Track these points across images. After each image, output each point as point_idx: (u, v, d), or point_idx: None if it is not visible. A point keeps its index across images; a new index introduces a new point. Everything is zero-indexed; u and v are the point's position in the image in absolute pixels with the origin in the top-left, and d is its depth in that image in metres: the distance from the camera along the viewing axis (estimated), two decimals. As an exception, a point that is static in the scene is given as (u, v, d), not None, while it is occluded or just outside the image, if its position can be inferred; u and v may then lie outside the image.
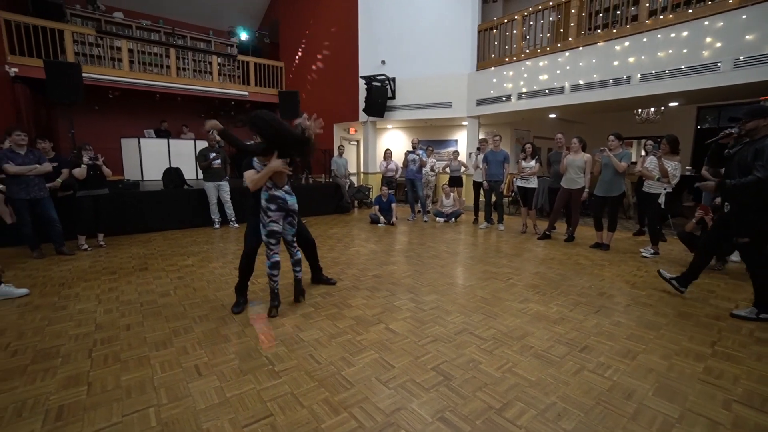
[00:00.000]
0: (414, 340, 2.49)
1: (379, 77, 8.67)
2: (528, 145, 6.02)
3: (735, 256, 4.36)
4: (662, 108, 8.64)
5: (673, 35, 5.49)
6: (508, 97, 7.76)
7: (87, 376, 2.05)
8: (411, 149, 7.16)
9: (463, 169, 7.78)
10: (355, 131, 11.04)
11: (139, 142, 8.74)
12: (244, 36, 11.18)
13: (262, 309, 2.97)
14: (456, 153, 8.15)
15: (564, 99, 6.93)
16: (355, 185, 9.47)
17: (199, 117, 11.51)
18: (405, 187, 8.12)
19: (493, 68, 8.01)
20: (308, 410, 1.78)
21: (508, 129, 10.13)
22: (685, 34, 5.37)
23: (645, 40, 5.80)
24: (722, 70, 5.05)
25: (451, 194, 7.39)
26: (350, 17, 9.35)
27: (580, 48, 6.65)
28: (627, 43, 6.02)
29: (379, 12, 8.94)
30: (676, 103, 7.39)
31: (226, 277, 3.80)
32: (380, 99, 8.70)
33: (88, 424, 1.67)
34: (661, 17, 5.65)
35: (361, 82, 8.92)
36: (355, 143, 11.46)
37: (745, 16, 4.86)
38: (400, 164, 7.76)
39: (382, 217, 6.83)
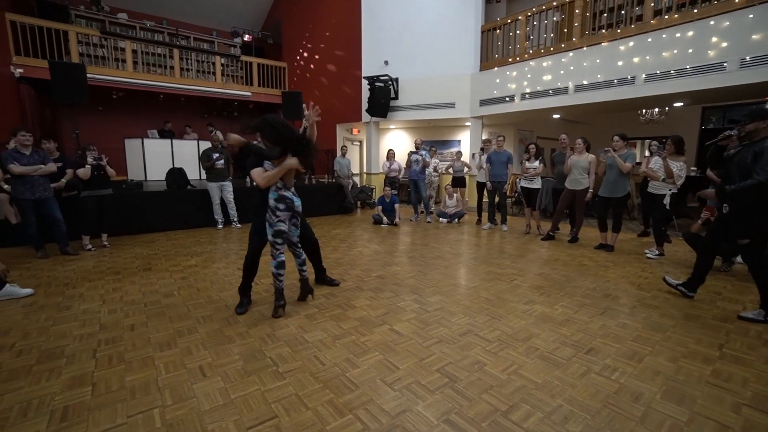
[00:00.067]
0: (418, 341, 2.48)
1: (382, 77, 8.67)
2: (532, 146, 6.00)
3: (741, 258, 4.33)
4: (667, 108, 8.59)
5: (678, 35, 5.46)
6: (512, 98, 7.74)
7: (91, 376, 2.05)
8: (414, 150, 7.15)
9: (466, 169, 7.76)
10: (358, 132, 11.04)
11: (142, 143, 8.76)
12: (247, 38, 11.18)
13: (266, 310, 2.97)
14: (459, 153, 8.14)
15: (568, 99, 6.91)
16: (358, 186, 9.46)
17: (202, 117, 11.56)
18: (408, 188, 8.11)
19: (496, 68, 7.99)
20: (313, 412, 1.77)
21: (511, 129, 10.10)
22: (690, 33, 5.34)
23: (650, 40, 5.77)
24: (728, 70, 5.01)
25: (454, 195, 7.37)
26: (353, 17, 9.36)
27: (584, 48, 6.62)
28: (631, 44, 5.99)
29: (382, 12, 8.94)
30: (681, 104, 7.35)
31: (230, 277, 3.80)
32: (383, 99, 8.70)
33: (93, 425, 1.67)
34: (666, 17, 5.62)
35: (364, 82, 8.92)
36: (358, 144, 11.46)
37: (751, 16, 4.83)
38: (403, 165, 7.75)
39: (385, 218, 6.82)
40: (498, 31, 8.01)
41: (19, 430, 1.64)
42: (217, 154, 6.11)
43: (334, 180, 8.73)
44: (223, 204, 6.39)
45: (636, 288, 3.59)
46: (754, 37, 4.83)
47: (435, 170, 8.21)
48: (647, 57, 5.82)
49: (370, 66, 9.10)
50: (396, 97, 8.98)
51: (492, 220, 6.63)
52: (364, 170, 10.41)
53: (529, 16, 7.45)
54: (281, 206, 2.74)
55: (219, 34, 12.29)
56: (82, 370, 2.11)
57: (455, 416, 1.76)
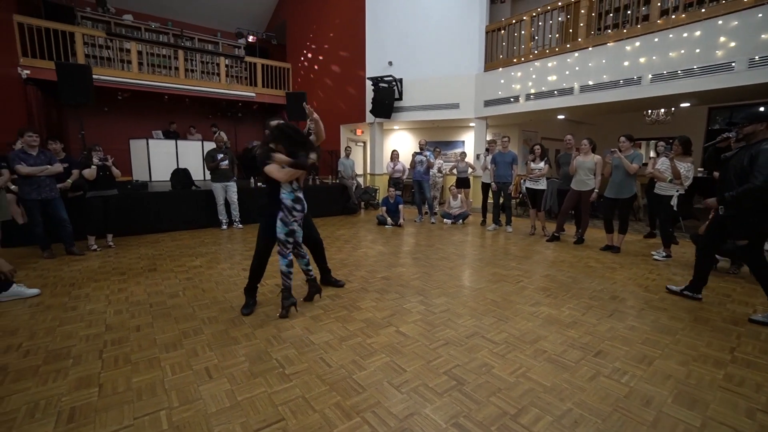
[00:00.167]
0: (425, 343, 2.46)
1: (386, 78, 8.66)
2: (537, 147, 5.97)
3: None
4: (673, 109, 8.53)
5: (685, 35, 5.41)
6: (516, 98, 7.71)
7: (98, 377, 2.04)
8: (418, 150, 7.14)
9: (470, 170, 7.74)
10: (362, 132, 11.03)
11: (147, 144, 8.80)
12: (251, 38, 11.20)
13: (271, 311, 2.96)
14: (463, 154, 8.11)
15: (573, 100, 6.87)
16: (362, 186, 9.46)
17: (206, 118, 11.59)
18: (412, 189, 8.09)
19: (501, 69, 7.96)
20: (320, 414, 1.76)
21: (515, 130, 10.06)
22: (697, 33, 5.29)
23: (656, 40, 5.73)
24: (736, 70, 4.96)
25: (459, 195, 7.34)
26: (357, 18, 9.36)
27: (590, 48, 6.58)
28: (638, 44, 5.95)
29: (386, 13, 8.93)
30: (688, 104, 7.29)
31: (235, 278, 3.80)
32: (387, 100, 8.69)
33: (99, 427, 1.66)
34: (673, 17, 5.57)
35: (368, 83, 8.92)
36: (362, 144, 11.45)
37: (760, 15, 4.78)
38: (407, 165, 7.74)
39: (389, 219, 6.80)
40: (502, 31, 7.98)
41: (27, 431, 1.63)
42: (222, 155, 6.12)
43: (338, 181, 8.72)
44: (227, 204, 6.40)
45: (643, 290, 3.56)
46: (763, 36, 4.78)
47: (439, 171, 8.19)
48: (654, 57, 5.77)
49: (374, 67, 9.10)
50: (400, 98, 8.96)
51: (497, 221, 6.60)
52: (368, 171, 10.40)
53: (534, 16, 7.42)
54: (298, 207, 2.81)
55: (223, 35, 12.34)
56: (88, 370, 2.11)
57: (464, 419, 1.74)
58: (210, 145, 7.78)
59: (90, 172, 4.66)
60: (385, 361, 2.24)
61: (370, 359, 2.26)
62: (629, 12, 6.21)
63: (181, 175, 6.67)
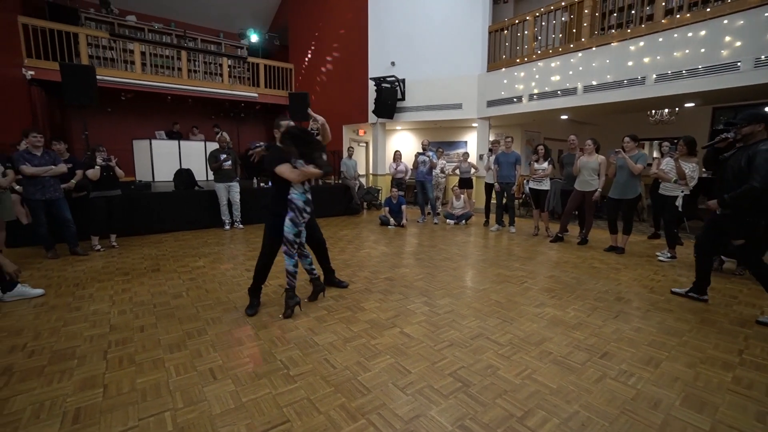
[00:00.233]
0: (430, 344, 2.45)
1: (388, 78, 8.65)
2: (540, 147, 5.95)
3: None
4: (677, 109, 8.49)
5: (690, 35, 5.38)
6: (519, 99, 7.68)
7: (102, 378, 2.04)
8: (421, 151, 7.12)
9: (473, 170, 7.72)
10: (365, 133, 11.03)
11: (150, 144, 8.81)
12: (254, 38, 11.21)
13: (275, 311, 2.95)
14: (466, 154, 8.09)
15: (577, 100, 6.84)
16: (365, 187, 9.45)
17: (209, 118, 11.61)
18: (414, 189, 8.08)
19: (504, 69, 7.94)
20: (325, 416, 1.75)
21: (518, 130, 10.03)
22: (702, 33, 5.26)
23: (661, 39, 5.70)
24: (742, 69, 4.93)
25: (462, 196, 7.33)
26: (360, 19, 9.36)
27: (593, 48, 6.56)
28: (642, 43, 5.92)
29: (389, 13, 8.93)
30: (692, 104, 7.25)
31: (238, 278, 3.79)
32: (390, 100, 8.68)
33: (105, 428, 1.66)
34: (678, 16, 5.54)
35: (371, 83, 8.91)
36: (365, 145, 11.45)
37: (767, 15, 4.75)
38: (410, 166, 7.73)
39: (392, 219, 6.79)
40: (505, 31, 7.96)
41: (32, 432, 1.63)
42: (225, 155, 6.12)
43: (340, 181, 8.72)
44: (230, 205, 6.40)
45: (649, 291, 3.54)
46: (768, 36, 4.75)
47: (442, 171, 8.17)
48: (658, 57, 5.74)
49: (376, 67, 9.09)
50: (403, 98, 8.96)
51: (500, 221, 6.58)
52: (371, 171, 10.39)
53: (537, 16, 7.39)
54: (308, 208, 2.84)
55: (226, 36, 12.36)
56: (93, 371, 2.10)
57: (470, 422, 1.73)
58: (212, 146, 7.79)
59: (94, 173, 4.67)
60: (389, 362, 2.23)
61: (375, 360, 2.25)
62: (633, 12, 6.18)
63: (184, 176, 6.68)
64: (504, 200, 6.45)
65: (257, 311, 2.93)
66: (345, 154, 8.83)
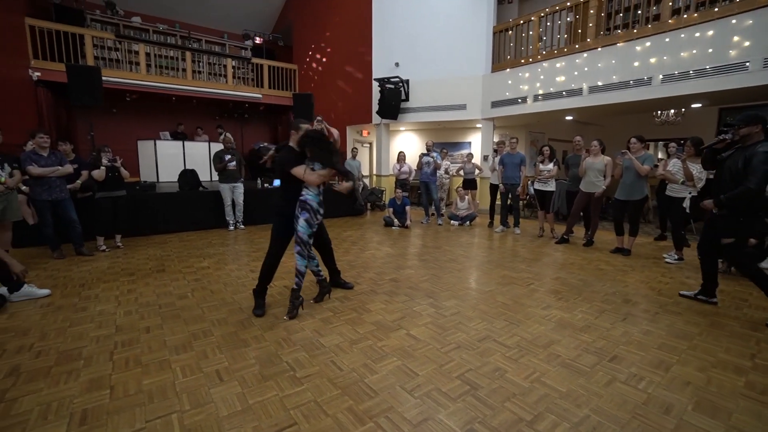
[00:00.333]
0: (437, 346, 2.43)
1: (392, 79, 8.64)
2: (546, 148, 5.92)
3: (767, 263, 4.20)
4: (683, 110, 8.43)
5: (697, 35, 5.34)
6: (524, 99, 7.66)
7: (109, 379, 2.04)
8: (425, 152, 7.11)
9: (477, 171, 7.69)
10: (368, 133, 11.02)
11: (155, 145, 8.85)
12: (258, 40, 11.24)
13: (280, 312, 2.94)
14: (470, 155, 8.06)
15: (582, 101, 6.81)
16: (369, 188, 9.44)
17: (213, 119, 11.65)
18: (418, 190, 8.06)
19: (508, 70, 7.92)
20: (333, 419, 1.73)
21: (522, 131, 10.00)
22: (710, 33, 5.22)
23: (667, 40, 5.66)
24: (751, 69, 4.89)
25: (466, 197, 7.30)
26: (364, 19, 9.36)
27: (599, 49, 6.52)
28: (648, 44, 5.89)
29: (393, 14, 8.92)
30: (699, 105, 7.20)
31: (243, 279, 3.79)
32: (394, 101, 8.67)
33: (111, 429, 1.65)
34: (685, 16, 5.50)
35: (375, 84, 8.91)
36: (368, 145, 11.44)
37: (775, 14, 4.71)
38: (413, 167, 7.71)
39: (396, 220, 6.78)
40: (510, 32, 7.94)
41: (39, 434, 1.63)
42: (229, 156, 6.13)
43: (343, 181, 8.69)
44: (233, 205, 6.40)
45: (657, 293, 3.50)
46: (778, 35, 4.70)
47: (446, 172, 8.15)
48: (665, 57, 5.71)
49: (380, 68, 9.09)
50: (406, 99, 8.95)
51: (504, 222, 6.55)
52: (374, 172, 10.39)
53: (542, 16, 7.37)
54: (322, 210, 2.87)
55: (230, 37, 12.40)
56: (99, 372, 2.10)
57: (479, 425, 1.71)
58: (216, 146, 7.81)
59: (99, 173, 4.69)
60: (396, 364, 2.22)
61: (382, 363, 2.23)
62: (639, 12, 6.15)
63: (188, 176, 6.69)
64: (509, 201, 6.43)
65: (265, 311, 2.92)
66: (349, 154, 8.83)
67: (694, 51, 5.39)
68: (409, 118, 9.11)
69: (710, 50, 5.23)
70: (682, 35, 5.50)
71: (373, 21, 9.14)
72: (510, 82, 7.87)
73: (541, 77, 7.38)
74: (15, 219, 4.00)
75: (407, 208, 6.82)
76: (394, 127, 10.24)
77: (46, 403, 1.82)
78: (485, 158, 8.40)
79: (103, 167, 4.71)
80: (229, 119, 11.85)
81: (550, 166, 5.81)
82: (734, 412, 1.81)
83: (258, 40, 11.68)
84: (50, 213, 4.36)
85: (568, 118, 9.18)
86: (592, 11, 6.59)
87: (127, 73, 9.31)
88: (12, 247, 4.26)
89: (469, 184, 7.65)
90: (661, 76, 5.76)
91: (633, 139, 4.79)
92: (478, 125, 8.95)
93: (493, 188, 6.78)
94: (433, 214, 7.46)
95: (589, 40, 6.68)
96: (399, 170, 7.60)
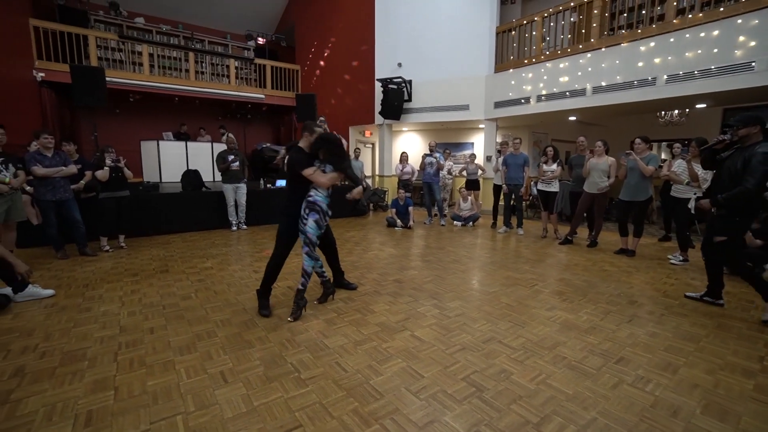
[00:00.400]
0: (441, 348, 2.42)
1: (395, 80, 8.64)
2: (550, 149, 5.89)
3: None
4: (687, 110, 8.39)
5: (702, 35, 5.32)
6: (527, 100, 7.64)
7: (113, 380, 2.03)
8: (428, 152, 7.09)
9: (480, 172, 7.68)
10: (371, 134, 11.02)
11: (158, 145, 8.86)
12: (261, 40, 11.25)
13: (283, 313, 2.93)
14: (473, 156, 8.05)
15: (585, 101, 6.79)
16: (371, 188, 9.43)
17: (216, 120, 11.67)
18: (421, 191, 8.05)
19: (511, 70, 7.90)
20: (338, 421, 1.72)
21: (525, 132, 9.98)
22: (715, 33, 5.19)
23: (672, 40, 5.63)
24: (756, 69, 4.86)
25: (469, 197, 7.28)
26: (367, 20, 9.36)
27: (603, 49, 6.50)
28: (652, 44, 5.86)
29: (396, 14, 8.92)
30: (703, 105, 7.17)
31: (246, 280, 3.78)
32: (396, 102, 8.67)
33: (116, 431, 1.65)
34: (690, 16, 5.48)
35: (378, 84, 8.90)
36: (371, 146, 11.44)
37: (781, 14, 4.68)
38: (416, 167, 7.70)
39: (399, 221, 6.77)
40: (513, 32, 7.92)
41: (44, 435, 1.62)
42: (233, 156, 6.13)
43: (346, 182, 8.70)
44: (236, 205, 6.40)
45: (662, 295, 3.48)
46: (783, 36, 4.67)
47: (449, 173, 8.13)
48: (669, 57, 5.68)
49: (383, 68, 9.08)
50: (409, 99, 8.94)
51: (507, 223, 6.53)
52: (377, 172, 10.38)
53: (545, 17, 7.35)
54: (329, 212, 2.91)
55: (233, 37, 12.42)
56: (104, 373, 2.10)
57: (485, 428, 1.70)
58: (219, 147, 7.82)
59: (103, 174, 4.70)
60: (401, 366, 2.20)
61: (387, 364, 2.22)
62: (643, 12, 6.12)
63: (191, 177, 6.70)
64: (512, 202, 6.41)
65: (271, 312, 2.92)
66: (351, 155, 8.82)
67: (699, 51, 5.36)
68: (411, 118, 9.10)
69: (715, 50, 5.21)
70: (687, 35, 5.47)
71: (375, 21, 9.14)
72: (513, 82, 7.86)
73: (545, 78, 7.36)
74: (19, 219, 4.01)
75: (410, 208, 6.81)
76: (396, 128, 10.23)
77: (51, 404, 1.81)
78: (488, 159, 8.38)
79: (106, 167, 4.71)
80: (231, 120, 11.86)
81: (554, 166, 5.78)
82: (743, 415, 1.79)
83: (261, 41, 11.70)
84: (54, 213, 4.37)
85: (572, 118, 9.15)
86: (595, 11, 6.57)
87: (131, 73, 9.34)
88: (16, 247, 4.27)
89: (472, 184, 7.64)
90: (665, 77, 5.73)
91: (637, 140, 4.77)
92: (481, 126, 8.93)
93: (497, 189, 6.76)
94: (435, 215, 7.44)
95: (592, 40, 6.65)
96: (402, 171, 7.60)
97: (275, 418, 1.73)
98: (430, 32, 8.64)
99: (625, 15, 6.49)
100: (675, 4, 5.64)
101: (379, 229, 6.84)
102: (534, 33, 7.57)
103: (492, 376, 2.12)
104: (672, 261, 4.62)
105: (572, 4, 6.88)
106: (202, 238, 5.84)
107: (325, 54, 11.08)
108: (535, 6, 8.96)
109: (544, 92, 7.37)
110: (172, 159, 8.96)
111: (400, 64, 8.95)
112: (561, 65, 7.09)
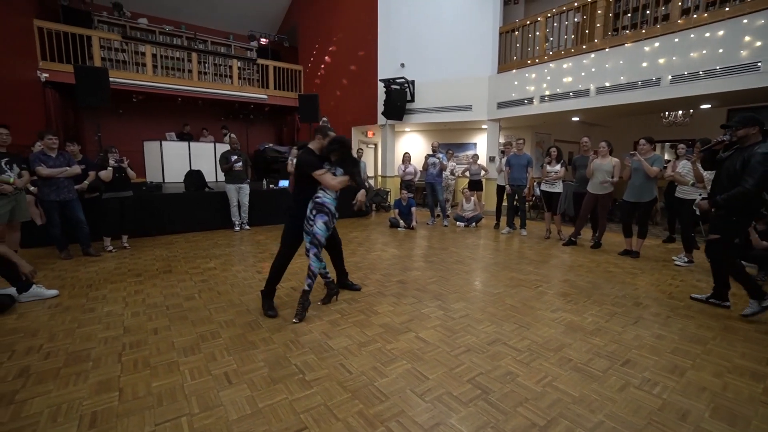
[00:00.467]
0: (446, 349, 2.41)
1: (398, 80, 8.62)
2: (553, 149, 5.87)
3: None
4: (691, 111, 8.35)
5: (707, 35, 5.28)
6: (530, 100, 7.61)
7: (118, 381, 2.03)
8: (431, 153, 7.08)
9: (483, 172, 7.66)
10: (373, 134, 11.01)
11: (161, 145, 8.88)
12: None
13: (287, 314, 2.93)
14: (476, 156, 8.03)
15: (589, 102, 6.75)
16: (374, 189, 9.42)
17: (218, 120, 11.68)
18: (423, 191, 8.03)
19: (514, 70, 7.87)
20: (343, 423, 1.71)
21: (528, 132, 9.94)
22: (721, 33, 5.16)
23: (677, 40, 5.60)
24: (762, 70, 4.82)
25: (472, 198, 7.26)
26: (369, 20, 9.35)
27: (607, 49, 6.47)
28: (657, 44, 5.83)
29: (399, 15, 8.91)
30: (708, 106, 7.13)
31: (250, 280, 3.78)
32: (399, 102, 8.65)
33: (121, 432, 1.64)
34: (695, 16, 5.44)
35: (380, 85, 8.89)
36: (373, 146, 11.43)
37: (787, 14, 4.65)
38: (419, 168, 7.68)
39: (401, 221, 6.75)
40: (516, 32, 7.89)
41: (49, 436, 1.62)
42: (236, 156, 6.14)
43: (349, 183, 8.68)
44: (239, 206, 6.41)
45: (667, 297, 3.46)
46: (790, 35, 4.64)
47: (452, 173, 8.11)
48: (674, 58, 5.64)
49: (386, 68, 9.07)
50: (412, 100, 8.92)
51: (511, 224, 6.51)
52: (380, 173, 10.37)
53: (549, 17, 7.32)
54: (337, 214, 2.93)
55: (236, 38, 12.44)
56: (108, 374, 2.09)
57: (491, 431, 1.68)
58: (222, 147, 7.82)
59: (106, 174, 4.70)
60: (406, 368, 2.19)
61: (391, 366, 2.21)
62: (648, 12, 6.09)
63: (194, 177, 6.70)
64: (515, 203, 6.38)
65: (277, 313, 2.91)
66: (354, 155, 8.81)
67: (704, 51, 5.33)
68: (414, 119, 9.08)
69: (721, 50, 5.17)
70: (692, 35, 5.44)
71: (378, 21, 9.12)
72: (516, 83, 7.83)
73: (548, 78, 7.33)
74: (23, 219, 4.02)
75: (413, 209, 6.80)
76: (399, 128, 10.21)
77: (55, 405, 1.81)
78: (491, 159, 8.36)
79: (110, 168, 4.72)
80: (234, 120, 11.86)
81: (558, 167, 5.76)
82: (753, 419, 1.77)
83: (263, 41, 11.73)
84: (58, 213, 4.38)
85: (575, 119, 9.12)
86: (599, 11, 6.54)
87: (134, 74, 9.36)
88: (20, 247, 4.28)
89: (475, 185, 7.62)
90: (670, 77, 5.70)
91: (642, 141, 4.74)
92: (484, 126, 8.91)
93: (500, 189, 6.74)
94: (438, 216, 7.43)
95: (596, 40, 6.62)
96: (404, 171, 7.59)
97: (280, 420, 1.73)
98: (433, 32, 8.62)
99: (629, 15, 6.46)
100: (680, 4, 5.60)
101: (382, 229, 6.83)
102: (537, 33, 7.54)
103: (497, 378, 2.10)
104: (677, 262, 4.59)
105: (576, 4, 6.86)
106: (205, 238, 5.84)
107: (328, 54, 11.08)
108: (539, 6, 8.94)
109: (547, 93, 7.34)
110: (175, 159, 8.97)
111: (402, 65, 8.93)
112: (564, 66, 7.07)
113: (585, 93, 6.77)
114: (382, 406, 1.84)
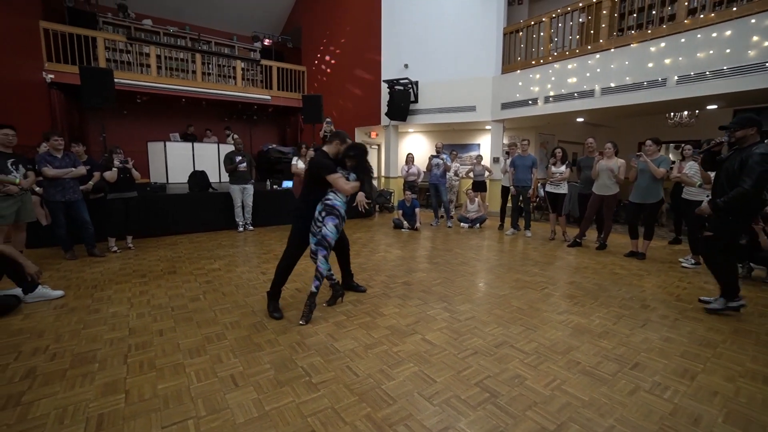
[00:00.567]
0: (453, 352, 2.39)
1: (402, 81, 8.62)
2: (558, 150, 5.84)
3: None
4: (696, 111, 8.29)
5: (714, 35, 5.24)
6: (535, 101, 7.58)
7: (124, 383, 2.02)
8: (435, 153, 7.06)
9: (487, 173, 7.63)
10: (377, 135, 11.00)
11: (164, 146, 8.90)
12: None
13: (293, 316, 2.91)
14: (479, 157, 8.01)
15: (594, 102, 6.72)
16: (377, 189, 9.41)
17: (222, 121, 11.71)
18: (427, 192, 8.01)
19: (519, 71, 7.85)
20: (351, 427, 1.70)
21: (532, 133, 9.90)
22: (728, 33, 5.12)
23: (683, 40, 5.56)
24: (770, 70, 4.78)
25: (476, 199, 7.24)
26: (373, 21, 9.35)
27: (612, 50, 6.44)
28: (663, 44, 5.79)
29: (403, 15, 8.90)
30: (714, 106, 7.08)
31: (254, 282, 3.77)
32: (403, 103, 8.64)
33: (128, 435, 1.63)
34: (701, 16, 5.41)
35: (384, 85, 8.89)
36: (377, 147, 11.42)
37: (796, 14, 4.61)
38: (422, 168, 7.67)
39: (405, 222, 6.74)
40: (521, 33, 7.87)
41: (56, 438, 1.61)
42: (240, 157, 6.14)
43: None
44: (243, 206, 6.41)
45: (675, 299, 3.42)
46: (798, 35, 4.60)
47: (456, 174, 8.09)
48: (680, 58, 5.61)
49: (389, 69, 9.07)
50: (416, 101, 8.91)
51: (515, 225, 6.48)
52: (383, 174, 10.36)
53: (553, 17, 7.30)
54: (345, 216, 2.95)
55: (239, 39, 12.47)
56: (114, 376, 2.08)
57: (501, 436, 1.66)
58: (225, 148, 7.82)
59: (111, 175, 4.71)
60: (413, 370, 2.17)
61: (398, 368, 2.19)
62: (653, 12, 6.05)
63: (198, 178, 6.71)
64: (519, 204, 6.36)
65: (283, 314, 2.90)
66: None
67: (711, 51, 5.29)
68: (418, 119, 9.07)
69: (728, 50, 5.13)
70: (699, 35, 5.40)
71: (382, 22, 9.12)
72: (520, 83, 7.81)
73: (552, 79, 7.30)
74: (29, 220, 4.02)
75: (417, 210, 6.78)
76: (402, 129, 10.20)
77: (62, 407, 1.80)
78: (495, 160, 8.34)
79: (114, 168, 4.73)
80: (237, 121, 11.89)
81: (563, 168, 5.73)
82: (768, 425, 1.74)
83: (267, 42, 11.75)
84: (63, 214, 4.39)
85: (579, 119, 9.08)
86: (604, 12, 6.51)
87: (138, 75, 9.40)
88: (26, 247, 4.29)
89: (479, 186, 7.59)
90: (676, 78, 5.66)
91: (648, 141, 4.71)
92: (488, 127, 8.89)
93: (505, 190, 6.71)
94: (442, 217, 7.40)
95: (601, 41, 6.60)
96: (407, 172, 7.58)
97: (288, 424, 1.71)
98: (437, 33, 8.61)
99: (635, 15, 6.42)
100: (686, 4, 5.57)
101: (386, 230, 6.81)
102: (542, 34, 7.52)
103: (505, 381, 2.08)
104: (684, 264, 4.55)
105: (581, 4, 6.83)
106: (209, 239, 5.85)
107: (332, 55, 11.08)
108: (543, 6, 8.91)
109: (551, 93, 7.31)
110: (179, 160, 8.99)
111: (406, 65, 8.93)
112: (569, 66, 7.04)
113: (590, 94, 6.74)
114: (389, 409, 1.83)
